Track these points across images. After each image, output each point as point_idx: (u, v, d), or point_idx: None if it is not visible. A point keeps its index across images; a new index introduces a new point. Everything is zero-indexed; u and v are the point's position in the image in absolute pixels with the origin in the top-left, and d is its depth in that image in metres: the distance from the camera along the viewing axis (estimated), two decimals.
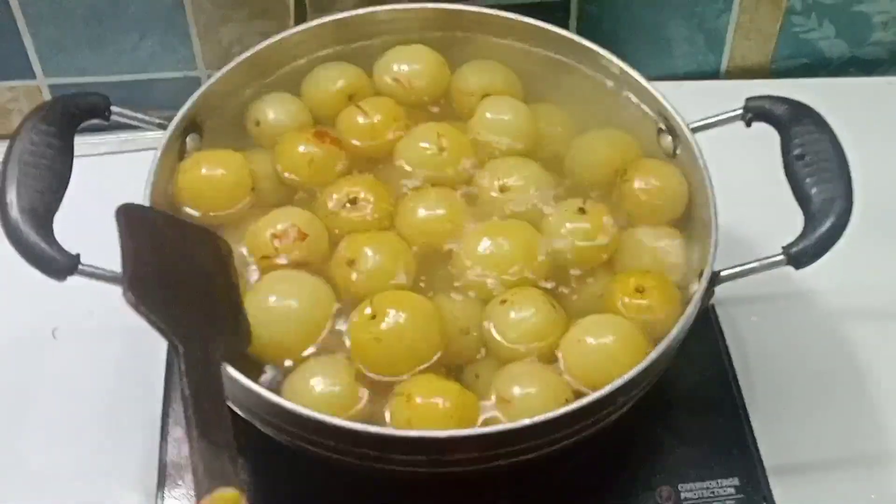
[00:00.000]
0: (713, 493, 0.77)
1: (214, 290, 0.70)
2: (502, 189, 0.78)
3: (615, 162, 0.80)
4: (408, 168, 0.80)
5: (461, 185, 0.80)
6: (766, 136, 0.76)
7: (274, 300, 0.71)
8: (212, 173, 0.78)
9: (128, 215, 0.68)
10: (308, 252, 0.74)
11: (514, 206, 0.78)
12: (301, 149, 0.80)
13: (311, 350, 0.71)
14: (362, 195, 0.77)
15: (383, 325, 0.69)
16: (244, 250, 0.76)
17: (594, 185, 0.80)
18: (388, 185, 0.79)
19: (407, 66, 0.86)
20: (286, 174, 0.80)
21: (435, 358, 0.71)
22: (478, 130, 0.82)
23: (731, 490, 0.78)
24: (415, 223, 0.77)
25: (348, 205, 0.77)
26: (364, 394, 0.69)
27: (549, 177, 0.80)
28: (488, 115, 0.83)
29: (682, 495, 0.77)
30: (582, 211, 0.76)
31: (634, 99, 0.84)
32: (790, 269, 0.71)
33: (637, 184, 0.78)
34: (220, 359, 0.65)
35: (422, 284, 0.74)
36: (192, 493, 0.58)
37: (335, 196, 0.77)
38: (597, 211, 0.76)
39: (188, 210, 0.78)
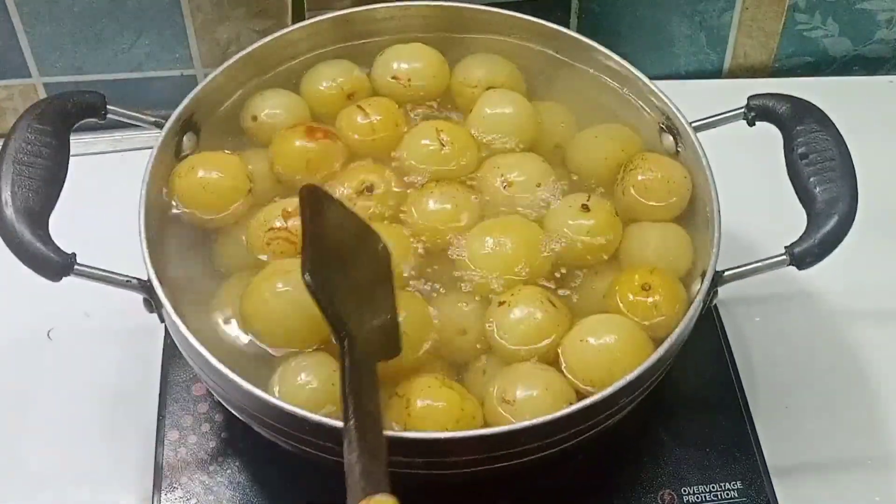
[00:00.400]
0: (716, 496, 0.77)
1: (375, 292, 0.68)
2: (505, 184, 0.77)
3: (619, 157, 0.80)
4: (410, 165, 0.80)
5: (464, 180, 0.79)
6: (768, 136, 0.76)
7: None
8: (208, 177, 0.77)
9: (311, 197, 0.66)
10: None
11: (518, 201, 0.77)
12: (297, 145, 0.79)
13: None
14: (377, 183, 0.77)
15: None
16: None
17: (598, 180, 0.79)
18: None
19: (406, 64, 0.85)
20: (284, 174, 0.79)
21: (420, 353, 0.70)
22: (478, 124, 0.82)
23: (734, 494, 0.77)
24: (419, 220, 0.76)
25: (365, 192, 0.76)
26: None
27: (553, 172, 0.79)
28: (488, 109, 0.82)
29: (685, 499, 0.77)
30: (586, 207, 0.75)
31: (635, 97, 0.83)
32: (793, 269, 0.70)
33: (640, 176, 0.77)
34: (376, 361, 0.63)
35: (423, 283, 0.74)
36: (349, 496, 0.54)
37: (348, 184, 0.77)
38: (601, 207, 0.76)
39: (184, 213, 0.77)
